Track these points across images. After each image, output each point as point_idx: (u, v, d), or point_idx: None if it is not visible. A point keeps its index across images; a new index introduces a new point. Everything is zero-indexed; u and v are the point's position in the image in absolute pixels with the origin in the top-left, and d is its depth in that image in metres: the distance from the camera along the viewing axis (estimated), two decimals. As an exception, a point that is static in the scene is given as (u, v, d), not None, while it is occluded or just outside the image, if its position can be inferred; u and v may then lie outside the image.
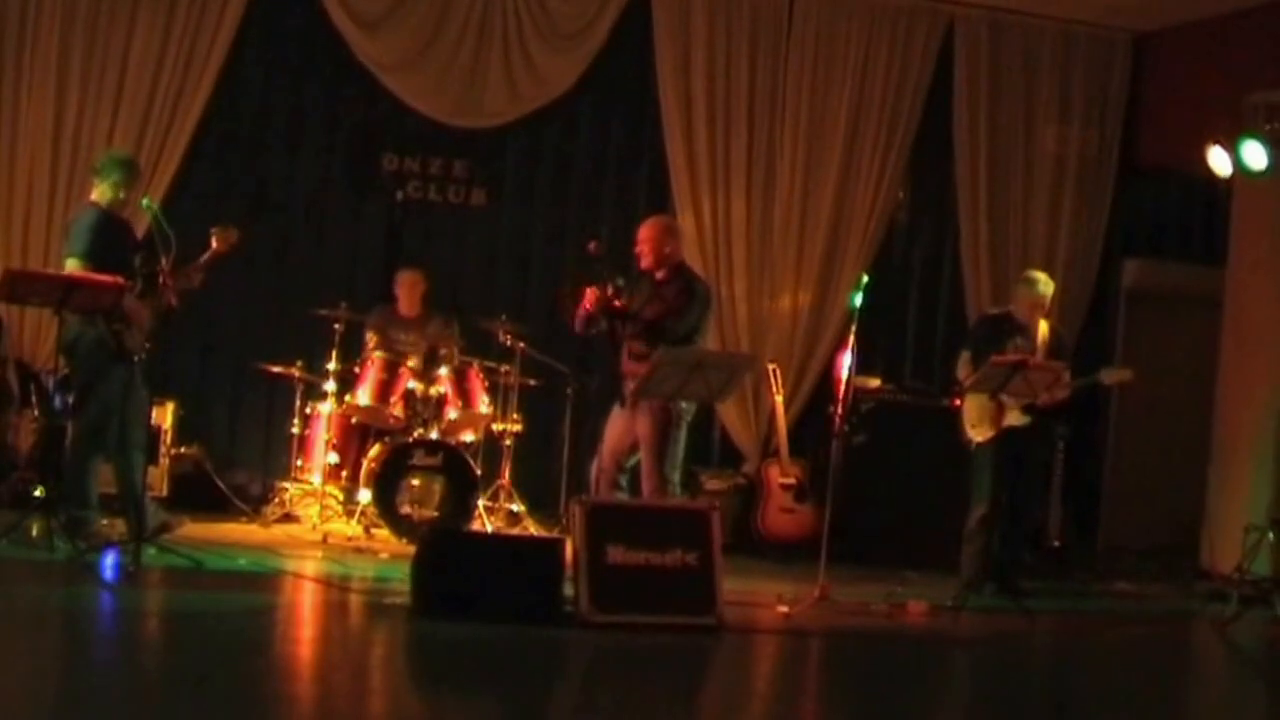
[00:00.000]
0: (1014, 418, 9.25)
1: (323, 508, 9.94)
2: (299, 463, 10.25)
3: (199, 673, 6.20)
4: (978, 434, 9.44)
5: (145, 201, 8.58)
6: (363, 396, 9.86)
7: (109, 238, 8.43)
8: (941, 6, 11.62)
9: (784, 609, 8.30)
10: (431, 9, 10.88)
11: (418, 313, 10.52)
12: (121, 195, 8.56)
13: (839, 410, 9.33)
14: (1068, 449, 11.41)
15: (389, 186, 11.06)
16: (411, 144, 11.05)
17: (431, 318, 10.51)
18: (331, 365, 10.01)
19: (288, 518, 10.11)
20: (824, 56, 11.41)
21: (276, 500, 10.20)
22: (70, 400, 8.78)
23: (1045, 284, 9.67)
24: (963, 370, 9.63)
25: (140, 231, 8.96)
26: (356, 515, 9.77)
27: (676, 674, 7.10)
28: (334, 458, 10.05)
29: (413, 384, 9.86)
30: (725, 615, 7.71)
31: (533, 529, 10.01)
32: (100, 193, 8.59)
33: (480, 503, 9.83)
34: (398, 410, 9.88)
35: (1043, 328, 9.61)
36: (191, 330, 10.39)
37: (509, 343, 10.17)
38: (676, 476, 8.76)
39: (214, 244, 8.72)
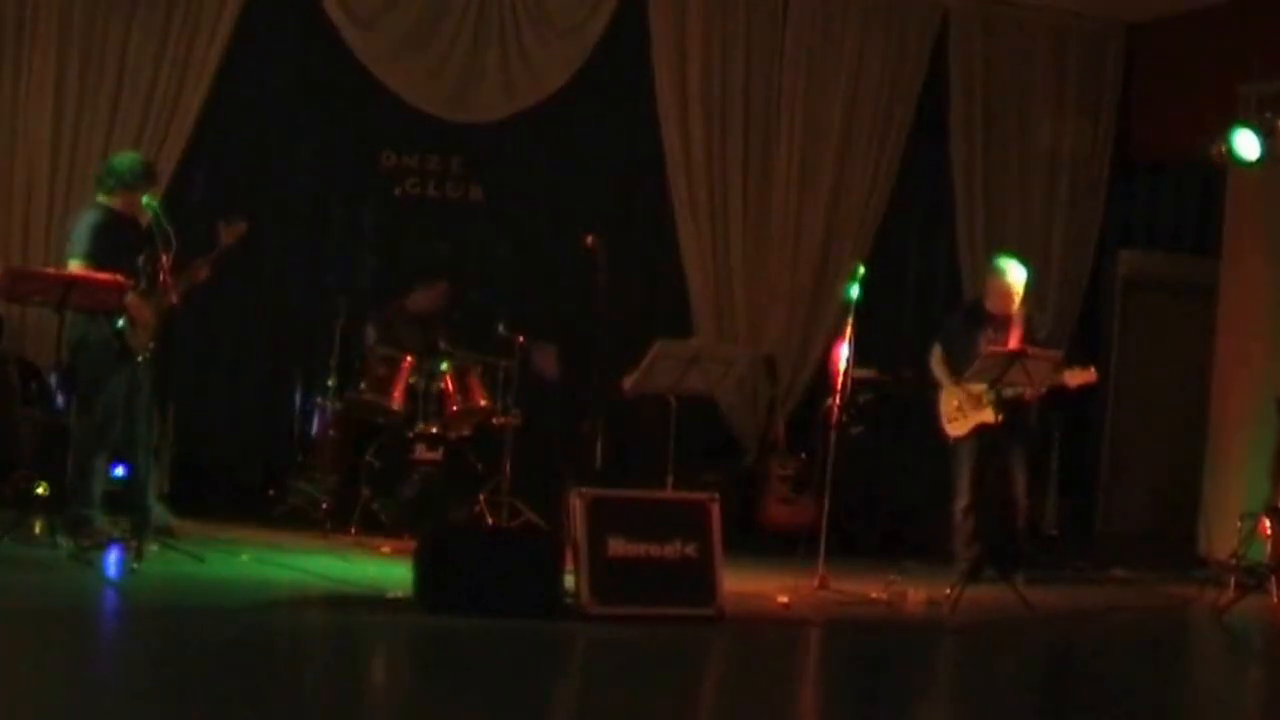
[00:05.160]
0: (984, 415, 9.23)
1: (324, 503, 9.98)
2: (300, 458, 10.28)
3: (202, 670, 6.25)
4: (954, 429, 9.49)
5: (146, 199, 8.57)
6: (363, 391, 9.90)
7: (114, 237, 8.45)
8: (936, 0, 11.67)
9: (784, 599, 8.35)
10: (428, 5, 10.90)
11: (427, 315, 10.52)
12: (144, 201, 8.54)
13: (837, 401, 9.39)
14: (1064, 437, 11.46)
15: (387, 183, 11.10)
16: (409, 140, 11.07)
17: (440, 324, 10.51)
18: (332, 361, 10.05)
19: (289, 514, 10.15)
20: (820, 50, 11.44)
21: (278, 496, 10.24)
22: (73, 398, 8.82)
23: (1014, 270, 9.55)
24: (936, 366, 9.66)
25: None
26: (358, 510, 9.81)
27: (677, 665, 7.15)
28: (334, 453, 10.08)
29: (413, 379, 9.90)
30: (725, 606, 7.76)
31: (533, 522, 10.06)
32: (121, 200, 8.57)
33: (481, 497, 9.88)
34: (398, 405, 9.92)
35: (1020, 316, 9.57)
36: (193, 327, 10.42)
37: (508, 337, 10.20)
38: None
39: (223, 238, 8.77)
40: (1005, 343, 9.28)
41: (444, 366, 9.97)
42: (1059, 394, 9.49)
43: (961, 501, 9.49)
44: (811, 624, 8.05)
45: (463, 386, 9.97)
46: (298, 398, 10.20)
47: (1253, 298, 10.92)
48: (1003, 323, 9.52)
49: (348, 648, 7.16)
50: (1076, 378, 9.28)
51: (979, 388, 9.12)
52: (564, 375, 10.41)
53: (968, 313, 9.91)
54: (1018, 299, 9.55)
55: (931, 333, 11.71)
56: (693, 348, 8.98)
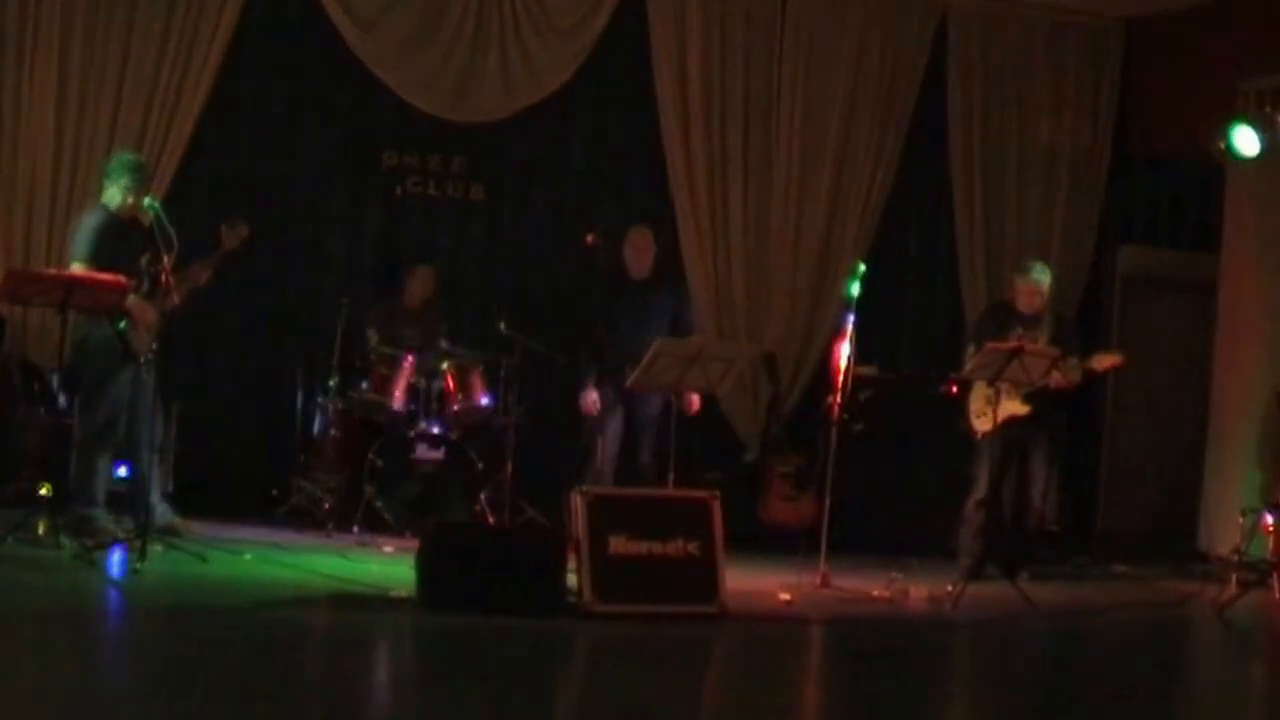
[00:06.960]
0: (1014, 407, 9.30)
1: (327, 503, 10.00)
2: (302, 458, 10.30)
3: (204, 670, 6.26)
4: (982, 424, 9.50)
5: (147, 200, 8.60)
6: (365, 391, 9.92)
7: (115, 239, 8.48)
8: (934, -3, 11.69)
9: (785, 597, 8.36)
10: (428, 5, 10.91)
11: (423, 306, 10.56)
12: (131, 200, 8.58)
13: (837, 399, 9.40)
14: (1064, 434, 11.45)
15: (388, 182, 11.12)
16: (410, 140, 11.08)
17: (435, 314, 10.54)
18: (334, 360, 10.06)
19: (292, 513, 10.17)
20: (819, 48, 11.45)
21: (281, 496, 10.25)
22: (76, 399, 8.84)
23: (1040, 271, 9.71)
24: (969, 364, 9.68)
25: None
26: (360, 510, 9.83)
27: (680, 663, 7.17)
28: (337, 453, 10.10)
29: (415, 378, 9.92)
30: (727, 604, 7.78)
31: (535, 520, 10.08)
32: (109, 196, 8.64)
33: (483, 495, 9.90)
34: (400, 405, 9.93)
35: (1048, 316, 9.66)
36: (194, 327, 10.44)
37: (509, 336, 10.22)
38: None
39: (224, 241, 8.79)
40: (1036, 342, 9.32)
41: (445, 365, 9.99)
42: (1090, 380, 9.60)
43: (977, 495, 9.51)
44: (813, 622, 8.07)
45: (464, 385, 9.99)
46: (300, 397, 10.21)
47: (1252, 293, 10.93)
48: (1033, 322, 9.59)
49: (351, 647, 7.17)
50: (1104, 362, 9.49)
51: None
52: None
53: (997, 313, 9.95)
54: (1044, 298, 9.65)
55: (929, 328, 11.83)
56: (693, 346, 8.99)
